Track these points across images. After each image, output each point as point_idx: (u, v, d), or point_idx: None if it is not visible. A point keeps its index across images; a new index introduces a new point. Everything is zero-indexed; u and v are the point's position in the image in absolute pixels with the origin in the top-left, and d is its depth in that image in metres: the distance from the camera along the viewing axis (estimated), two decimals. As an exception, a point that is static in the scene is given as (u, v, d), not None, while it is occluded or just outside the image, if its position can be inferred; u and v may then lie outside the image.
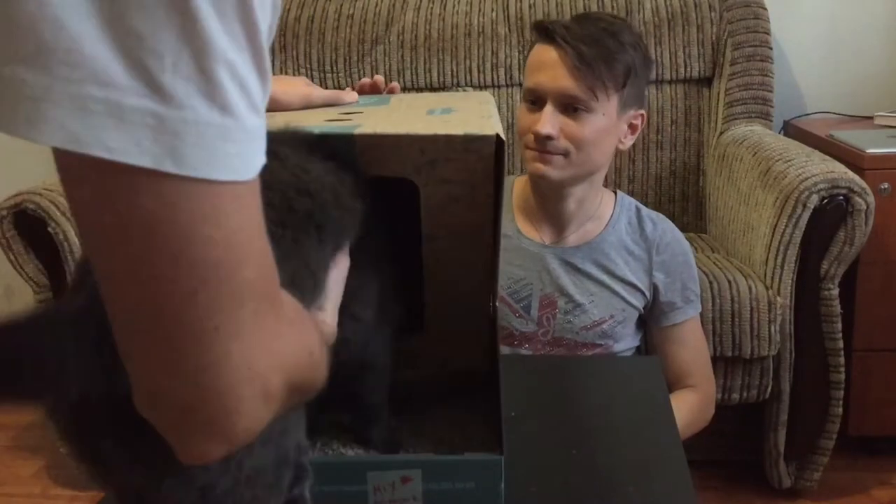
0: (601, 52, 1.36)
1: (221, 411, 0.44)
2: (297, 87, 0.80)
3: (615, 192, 1.54)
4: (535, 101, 1.40)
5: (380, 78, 1.04)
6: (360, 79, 2.35)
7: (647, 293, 1.48)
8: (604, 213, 1.50)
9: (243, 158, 0.40)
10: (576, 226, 1.48)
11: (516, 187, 1.54)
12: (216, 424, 0.45)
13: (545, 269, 1.46)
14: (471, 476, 0.80)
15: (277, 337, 0.46)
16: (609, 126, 1.40)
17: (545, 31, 1.40)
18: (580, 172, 1.42)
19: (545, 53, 1.39)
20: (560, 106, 1.38)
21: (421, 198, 0.78)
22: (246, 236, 0.43)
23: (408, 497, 0.81)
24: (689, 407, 1.48)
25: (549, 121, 1.37)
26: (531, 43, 1.49)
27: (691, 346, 1.52)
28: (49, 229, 1.86)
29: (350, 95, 0.94)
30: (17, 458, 2.30)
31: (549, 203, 1.47)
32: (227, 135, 0.39)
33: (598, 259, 1.46)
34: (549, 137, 1.37)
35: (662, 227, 1.51)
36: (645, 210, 1.53)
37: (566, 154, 1.39)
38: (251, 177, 0.41)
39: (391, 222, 0.85)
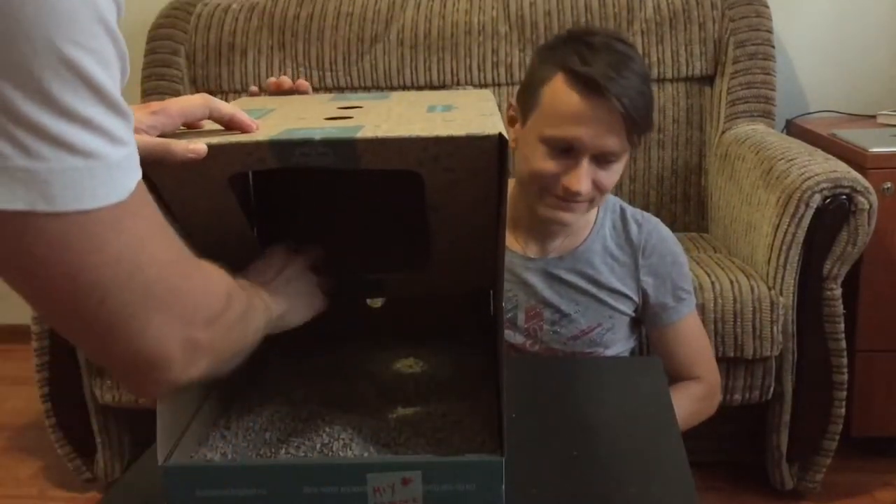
0: (642, 102, 1.30)
1: (158, 366, 0.57)
2: (196, 99, 0.79)
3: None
4: (564, 150, 1.32)
5: (285, 79, 1.01)
6: (359, 77, 2.36)
7: (636, 297, 1.46)
8: (588, 219, 1.46)
9: (110, 186, 0.49)
10: (561, 239, 1.46)
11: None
12: (156, 373, 0.58)
13: (527, 283, 1.44)
14: (471, 477, 0.79)
15: (194, 300, 0.60)
16: (625, 163, 1.38)
17: (593, 86, 1.28)
18: (592, 209, 1.42)
19: (583, 104, 1.29)
20: (593, 158, 1.32)
21: (425, 182, 0.78)
22: (135, 248, 0.52)
23: (408, 498, 0.80)
24: (694, 396, 1.47)
25: (585, 178, 1.31)
26: (541, 73, 1.34)
27: (690, 342, 1.50)
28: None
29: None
30: (15, 459, 2.29)
31: (540, 224, 1.44)
32: (93, 173, 0.48)
33: (583, 269, 1.44)
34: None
35: (648, 228, 1.47)
36: (630, 210, 1.49)
37: (591, 200, 1.36)
38: (123, 198, 0.50)
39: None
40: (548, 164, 1.33)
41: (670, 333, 1.48)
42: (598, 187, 1.34)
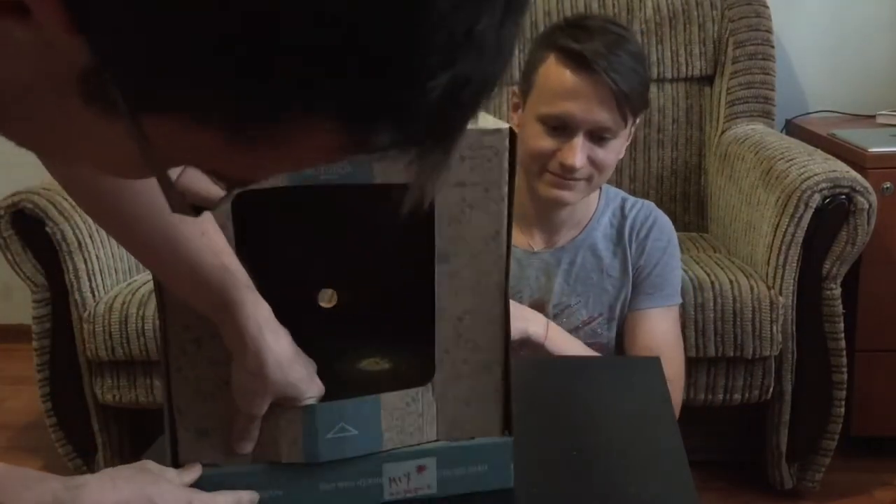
0: (635, 80, 1.33)
1: None
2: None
3: (600, 186, 1.52)
4: (559, 127, 1.35)
5: None
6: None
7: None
8: (588, 207, 1.48)
9: None
10: (566, 229, 1.47)
11: None
12: None
13: (531, 276, 1.45)
14: (483, 459, 0.81)
15: None
16: (624, 144, 1.40)
17: (583, 61, 1.31)
18: (593, 190, 1.43)
19: (574, 80, 1.32)
20: (588, 135, 1.35)
21: (434, 207, 0.74)
22: None
23: (422, 485, 0.81)
24: None
25: (580, 152, 1.33)
26: (537, 56, 1.40)
27: (654, 335, 1.44)
28: (47, 229, 1.85)
29: None
30: (16, 459, 2.29)
31: (545, 212, 1.45)
32: None
33: (584, 258, 1.45)
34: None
35: (645, 212, 1.47)
36: (631, 200, 1.50)
37: (589, 179, 1.38)
38: None
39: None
40: (545, 142, 1.36)
41: (634, 320, 1.45)
42: (596, 165, 1.36)
